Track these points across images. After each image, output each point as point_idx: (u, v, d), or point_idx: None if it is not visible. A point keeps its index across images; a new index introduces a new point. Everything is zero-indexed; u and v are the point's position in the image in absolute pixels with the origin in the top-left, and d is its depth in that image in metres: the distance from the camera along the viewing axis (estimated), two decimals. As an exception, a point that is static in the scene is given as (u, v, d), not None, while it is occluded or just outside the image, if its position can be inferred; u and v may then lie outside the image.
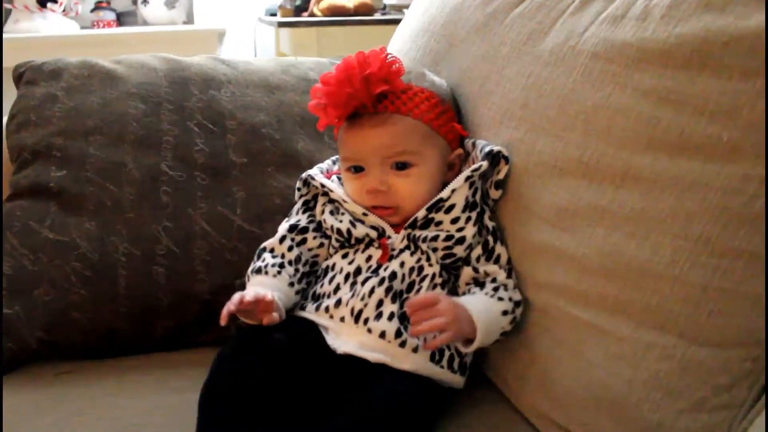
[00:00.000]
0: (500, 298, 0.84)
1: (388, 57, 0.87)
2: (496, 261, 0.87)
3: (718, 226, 0.67)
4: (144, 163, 1.02)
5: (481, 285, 0.87)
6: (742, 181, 0.66)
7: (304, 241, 0.93)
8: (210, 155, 1.04)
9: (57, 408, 0.86)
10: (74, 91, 1.09)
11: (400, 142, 0.87)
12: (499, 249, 0.87)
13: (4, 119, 1.13)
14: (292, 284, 0.89)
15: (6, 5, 2.23)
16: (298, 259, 0.92)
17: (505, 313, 0.83)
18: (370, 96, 0.86)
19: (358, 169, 0.90)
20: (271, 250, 0.92)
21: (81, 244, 0.96)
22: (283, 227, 0.94)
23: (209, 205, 1.01)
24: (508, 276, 0.86)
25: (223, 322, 0.80)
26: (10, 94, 1.13)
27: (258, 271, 0.90)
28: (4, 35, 2.18)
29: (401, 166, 0.88)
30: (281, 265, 0.90)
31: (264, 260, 0.90)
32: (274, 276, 0.89)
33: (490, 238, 0.88)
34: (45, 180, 1.01)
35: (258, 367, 0.79)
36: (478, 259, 0.87)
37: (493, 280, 0.86)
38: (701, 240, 0.68)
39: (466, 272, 0.88)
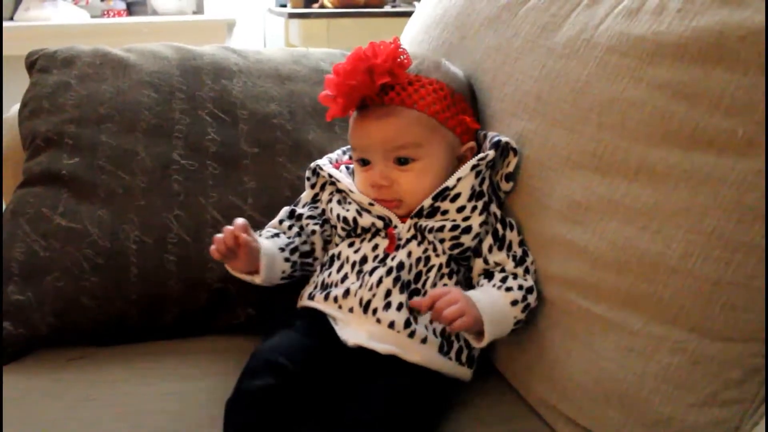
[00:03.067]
0: (508, 288, 0.84)
1: (399, 48, 0.87)
2: (509, 247, 0.87)
3: (732, 220, 0.67)
4: (156, 151, 1.02)
5: (490, 276, 0.87)
6: (756, 175, 0.66)
7: (300, 227, 0.95)
8: (221, 144, 1.04)
9: (68, 393, 0.86)
10: (87, 79, 1.09)
11: (401, 135, 0.87)
12: (510, 235, 0.87)
13: (15, 106, 1.13)
14: (282, 249, 0.91)
15: (17, -7, 2.24)
16: (296, 235, 0.94)
17: (514, 303, 0.83)
18: (374, 88, 0.86)
19: (364, 162, 0.90)
20: (271, 227, 0.95)
21: (93, 231, 0.97)
22: (284, 210, 0.96)
23: (220, 194, 1.01)
24: (519, 263, 0.85)
25: (213, 255, 0.84)
26: (21, 81, 1.14)
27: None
28: (15, 23, 2.18)
29: (403, 161, 0.88)
30: (276, 234, 0.93)
31: (261, 231, 0.93)
32: (267, 238, 0.91)
33: (499, 226, 0.87)
34: (57, 167, 1.02)
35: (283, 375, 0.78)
36: (490, 249, 0.87)
37: (502, 270, 0.86)
38: (714, 234, 0.67)
39: (478, 264, 0.88)
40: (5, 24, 2.18)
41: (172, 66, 1.11)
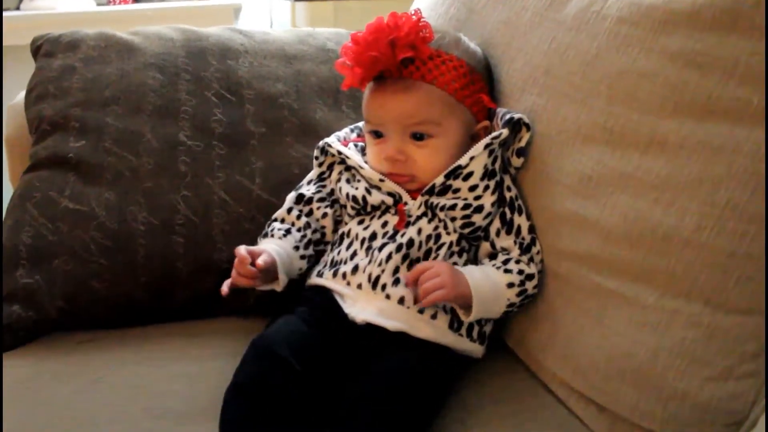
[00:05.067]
0: (507, 270, 0.83)
1: (420, 21, 0.85)
2: (517, 233, 0.86)
3: (747, 191, 0.65)
4: (162, 132, 1.02)
5: (493, 258, 0.86)
6: (772, 145, 0.64)
7: (310, 211, 0.93)
8: (228, 125, 1.03)
9: (78, 376, 0.86)
10: (92, 62, 1.09)
11: (419, 111, 0.86)
12: (518, 219, 0.86)
13: (22, 93, 1.13)
14: (297, 248, 0.90)
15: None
16: (306, 225, 0.92)
17: (510, 285, 0.83)
18: (395, 61, 0.84)
19: (378, 134, 0.89)
20: (282, 220, 0.93)
21: (100, 214, 0.96)
22: (290, 197, 0.95)
23: (227, 174, 1.00)
24: (525, 251, 0.85)
25: (223, 293, 0.83)
26: (29, 70, 1.13)
27: (265, 235, 0.92)
28: (21, 12, 2.18)
29: (419, 137, 0.86)
30: (288, 231, 0.91)
31: (272, 227, 0.92)
32: (280, 238, 0.90)
33: (507, 210, 0.86)
34: (64, 150, 1.01)
35: (283, 367, 0.76)
36: (497, 233, 0.86)
37: (506, 254, 0.85)
38: (729, 206, 0.66)
39: (484, 247, 0.88)
40: (12, 14, 2.17)
41: (177, 47, 1.11)
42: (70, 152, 1.01)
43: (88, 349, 0.92)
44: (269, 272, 0.85)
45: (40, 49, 1.14)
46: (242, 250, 0.83)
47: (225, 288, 0.83)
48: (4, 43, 2.11)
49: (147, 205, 0.97)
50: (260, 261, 0.82)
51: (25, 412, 0.80)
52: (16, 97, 1.19)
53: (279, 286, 0.87)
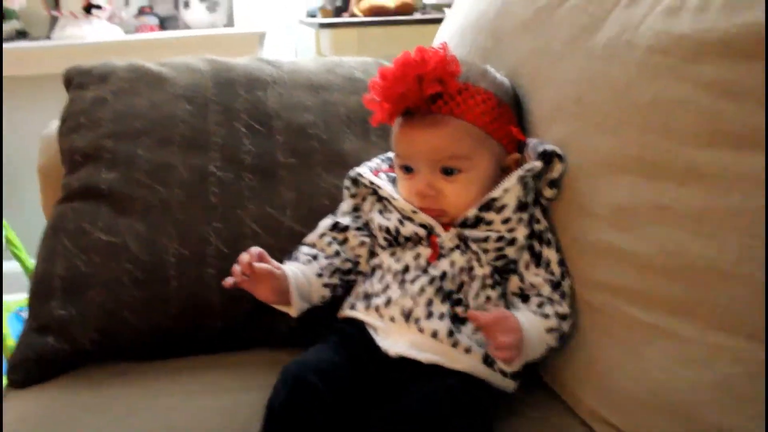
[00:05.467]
0: (545, 315, 0.82)
1: (447, 56, 0.84)
2: (547, 266, 0.85)
3: (788, 223, 0.64)
4: (192, 163, 1.02)
5: (525, 298, 0.85)
6: (814, 175, 0.63)
7: (345, 240, 0.93)
8: (257, 156, 1.04)
9: (111, 408, 0.86)
10: (122, 93, 1.10)
11: (449, 146, 0.85)
12: (547, 252, 0.85)
13: (54, 122, 1.15)
14: (320, 275, 0.90)
15: (53, 12, 2.28)
16: (336, 254, 0.92)
17: (550, 330, 0.82)
18: (423, 96, 0.84)
19: (408, 169, 0.88)
20: (311, 245, 0.93)
21: (132, 246, 0.97)
22: (324, 224, 0.95)
23: (258, 205, 1.01)
24: (555, 287, 0.84)
25: (226, 285, 0.83)
26: (60, 99, 1.15)
27: (290, 258, 0.91)
28: (52, 42, 2.22)
29: (450, 171, 0.86)
30: (315, 256, 0.91)
31: (299, 251, 0.92)
32: (304, 263, 0.90)
33: (536, 243, 0.86)
34: (96, 181, 1.02)
35: (318, 390, 0.76)
36: (527, 266, 0.86)
37: (539, 294, 0.84)
38: (771, 238, 0.65)
39: (513, 282, 0.87)
40: (43, 43, 2.21)
41: (206, 78, 1.12)
42: (101, 183, 1.02)
43: (122, 381, 0.92)
44: (278, 288, 0.85)
45: (72, 81, 1.15)
46: (254, 249, 0.84)
47: (228, 281, 0.83)
48: (35, 73, 2.16)
49: (178, 236, 0.98)
50: (257, 264, 0.83)
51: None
52: (48, 125, 1.21)
53: (293, 311, 0.86)
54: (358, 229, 0.93)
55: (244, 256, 0.84)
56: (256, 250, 0.85)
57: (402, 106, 0.85)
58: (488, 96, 0.87)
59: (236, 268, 0.84)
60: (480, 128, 0.86)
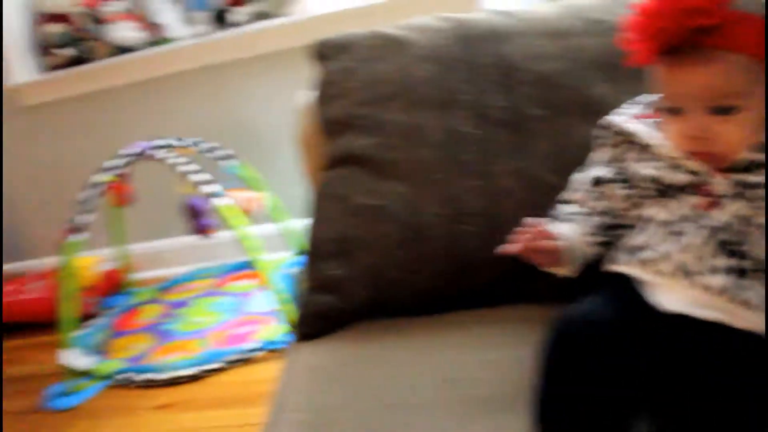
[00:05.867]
0: None
1: None
2: None
3: None
4: (443, 123, 1.04)
5: None
6: None
7: (608, 193, 0.89)
8: (507, 111, 1.03)
9: (389, 361, 0.92)
10: (368, 61, 1.14)
11: (722, 84, 0.77)
12: None
13: (301, 93, 1.22)
14: (590, 233, 0.88)
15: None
16: (603, 211, 0.89)
17: None
18: (685, 30, 0.77)
19: (674, 111, 0.82)
20: (575, 203, 0.91)
21: (393, 208, 1.02)
22: (580, 179, 0.92)
23: (512, 160, 1.00)
24: None
25: (501, 252, 0.86)
26: (302, 71, 1.21)
27: (555, 217, 0.90)
28: (290, 19, 2.36)
29: (723, 110, 0.78)
30: (582, 215, 0.89)
31: (563, 209, 0.91)
32: (573, 223, 0.88)
33: None
34: (354, 148, 1.08)
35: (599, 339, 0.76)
36: None
37: None
38: None
39: None
40: (284, 20, 2.36)
41: (447, 37, 1.12)
42: (359, 150, 1.07)
43: (394, 336, 0.97)
44: (553, 254, 0.85)
45: (318, 53, 1.21)
46: (534, 224, 0.85)
47: (506, 249, 0.85)
48: (281, 47, 2.33)
49: (436, 196, 1.01)
50: (544, 243, 0.84)
51: (342, 394, 0.87)
52: (296, 96, 1.28)
53: (564, 273, 0.86)
54: (619, 181, 0.89)
55: (526, 235, 0.85)
56: (536, 226, 0.86)
57: (665, 42, 0.79)
58: (761, 22, 0.78)
59: (516, 238, 0.85)
60: (755, 60, 0.77)
